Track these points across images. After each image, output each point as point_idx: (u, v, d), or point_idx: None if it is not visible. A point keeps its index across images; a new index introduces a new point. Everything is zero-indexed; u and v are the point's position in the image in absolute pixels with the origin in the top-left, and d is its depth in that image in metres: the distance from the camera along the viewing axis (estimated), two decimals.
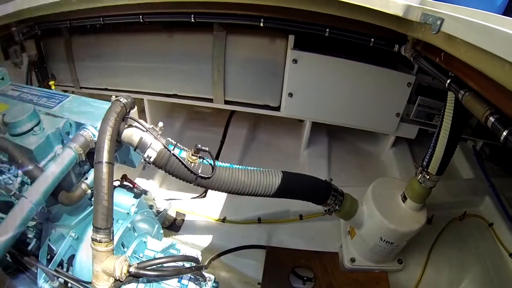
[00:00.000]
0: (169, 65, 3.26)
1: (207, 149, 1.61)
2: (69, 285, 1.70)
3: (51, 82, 3.76)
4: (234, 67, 3.06)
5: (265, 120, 3.78)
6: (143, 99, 3.66)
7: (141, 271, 1.43)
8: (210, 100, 3.30)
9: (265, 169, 1.85)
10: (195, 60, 3.14)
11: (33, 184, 1.47)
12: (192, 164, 1.64)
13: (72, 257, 1.85)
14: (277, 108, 3.18)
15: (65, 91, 4.13)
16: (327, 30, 2.38)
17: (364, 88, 2.95)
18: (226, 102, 3.27)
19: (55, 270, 1.73)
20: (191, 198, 3.20)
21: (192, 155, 1.63)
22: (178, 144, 1.66)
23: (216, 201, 3.14)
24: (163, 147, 1.59)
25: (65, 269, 1.81)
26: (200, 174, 1.64)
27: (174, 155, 1.59)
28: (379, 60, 2.84)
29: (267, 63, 2.98)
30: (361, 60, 2.82)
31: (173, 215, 3.01)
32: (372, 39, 2.32)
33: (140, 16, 2.74)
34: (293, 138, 3.71)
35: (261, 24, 2.48)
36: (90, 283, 1.61)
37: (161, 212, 2.79)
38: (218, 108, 3.42)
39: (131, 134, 1.61)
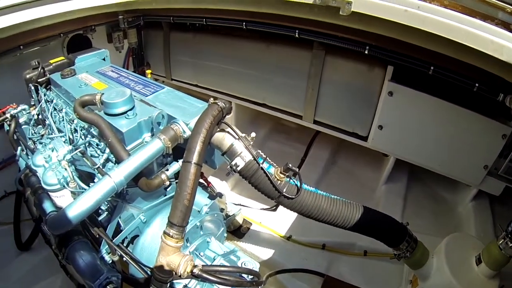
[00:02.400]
0: (263, 74, 3.29)
1: (297, 170, 1.55)
2: (124, 259, 1.74)
3: (148, 71, 3.97)
4: (328, 88, 3.00)
5: (349, 146, 3.58)
6: (231, 102, 3.68)
7: (204, 275, 1.41)
8: (299, 117, 3.29)
9: (347, 201, 1.74)
10: (290, 75, 3.14)
11: (119, 165, 1.51)
12: (279, 181, 1.59)
13: (135, 237, 1.93)
14: (365, 138, 3.05)
15: (156, 80, 4.37)
16: (432, 68, 2.24)
17: (456, 133, 2.69)
18: (315, 122, 3.22)
19: (118, 246, 1.78)
20: (261, 209, 3.18)
21: (281, 172, 1.58)
22: (267, 158, 1.61)
23: (285, 217, 3.09)
24: (252, 159, 1.55)
25: (125, 245, 1.88)
26: (284, 193, 1.58)
27: (262, 169, 1.55)
28: (471, 102, 2.58)
29: (362, 90, 2.87)
30: (458, 103, 2.58)
31: (240, 221, 3.01)
32: (477, 84, 2.14)
33: (244, 23, 2.79)
34: (374, 170, 3.55)
35: (366, 52, 2.41)
36: (147, 267, 1.67)
37: (230, 216, 2.80)
38: (304, 126, 3.37)
39: (223, 138, 1.59)
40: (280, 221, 3.06)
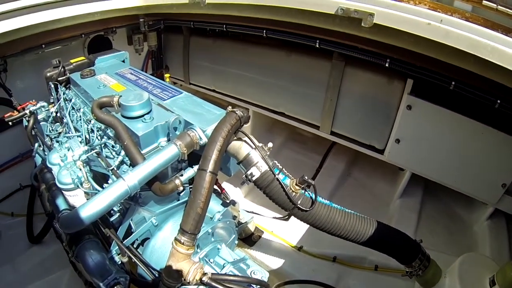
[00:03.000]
0: (282, 83, 3.26)
1: (312, 183, 1.52)
2: (133, 260, 1.73)
3: (167, 75, 3.99)
4: (346, 99, 2.95)
5: (365, 158, 3.47)
6: (248, 109, 3.71)
7: (213, 283, 1.40)
8: (317, 127, 3.24)
9: (361, 215, 1.70)
10: (309, 84, 3.10)
11: (133, 169, 1.50)
12: (294, 193, 1.56)
13: (145, 240, 1.93)
14: (381, 151, 2.98)
15: (174, 83, 4.39)
16: (453, 83, 2.18)
17: (475, 149, 2.61)
18: (332, 133, 3.17)
19: (128, 247, 1.77)
20: (274, 218, 3.14)
21: (296, 184, 1.56)
22: (283, 169, 1.59)
23: (297, 227, 3.04)
24: (268, 169, 1.53)
25: (135, 247, 1.87)
26: (298, 205, 1.55)
27: (278, 180, 1.53)
28: (491, 118, 2.50)
29: (381, 103, 2.81)
30: (478, 119, 2.51)
31: (252, 229, 2.98)
32: (499, 101, 2.07)
33: (264, 31, 2.79)
34: (389, 184, 3.47)
35: (387, 65, 2.37)
36: (156, 270, 1.67)
37: (242, 224, 2.79)
38: (321, 136, 3.33)
39: (239, 147, 1.57)
40: (292, 231, 3.02)
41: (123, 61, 2.78)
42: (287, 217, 3.13)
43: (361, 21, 2.06)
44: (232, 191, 3.23)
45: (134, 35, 4.15)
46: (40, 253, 3.56)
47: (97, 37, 3.87)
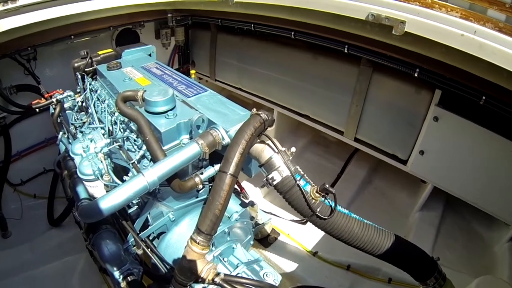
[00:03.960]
0: (308, 85, 3.20)
1: (333, 191, 1.47)
2: (148, 251, 1.73)
3: (192, 71, 4.01)
4: (372, 106, 2.86)
5: (387, 167, 3.31)
6: (273, 109, 3.67)
7: (225, 284, 1.39)
8: (341, 133, 3.16)
9: (379, 227, 1.65)
10: (335, 89, 3.03)
11: (153, 165, 1.49)
12: (314, 200, 1.52)
13: (161, 233, 1.93)
14: (404, 162, 2.88)
15: (200, 79, 4.40)
16: (483, 97, 2.09)
17: (501, 167, 2.48)
18: (356, 140, 3.08)
19: (144, 240, 1.77)
20: (291, 220, 3.10)
21: (317, 192, 1.51)
22: (305, 175, 1.55)
23: (314, 232, 2.99)
24: (290, 174, 1.49)
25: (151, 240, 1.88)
26: (317, 213, 1.51)
27: (299, 186, 1.49)
28: None
29: (407, 112, 2.72)
30: (509, 137, 2.39)
31: (269, 230, 2.96)
32: None
33: (292, 33, 2.74)
34: (409, 195, 3.34)
35: (416, 75, 2.29)
36: (169, 265, 1.67)
37: (259, 224, 2.77)
38: (344, 141, 3.25)
39: (262, 150, 1.54)
40: (308, 235, 2.98)
41: (150, 55, 2.78)
42: (304, 220, 3.08)
43: (392, 28, 1.98)
44: (252, 190, 3.21)
45: (162, 29, 4.17)
46: (58, 235, 3.64)
47: (125, 30, 3.90)
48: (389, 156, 2.93)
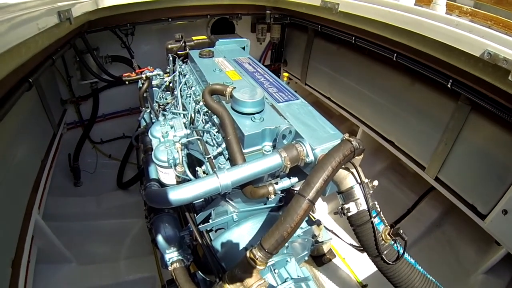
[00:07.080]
0: (399, 111, 2.86)
1: (406, 238, 1.26)
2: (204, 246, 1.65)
3: (285, 74, 3.88)
4: (463, 148, 2.44)
5: (461, 215, 2.70)
6: (359, 127, 3.39)
7: None
8: (422, 168, 2.76)
9: (440, 286, 1.37)
10: (427, 120, 2.65)
11: (230, 168, 1.36)
12: (383, 242, 1.31)
13: (219, 229, 1.87)
14: (482, 216, 2.37)
15: (290, 79, 4.24)
16: None
17: None
18: (436, 179, 2.67)
19: (202, 233, 1.70)
20: (350, 244, 2.84)
21: (389, 234, 1.30)
22: (381, 213, 1.33)
23: (369, 262, 2.69)
24: (366, 209, 1.29)
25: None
26: (383, 256, 1.31)
27: (372, 223, 1.29)
28: None
29: (499, 163, 2.25)
30: None
31: (326, 250, 2.78)
32: None
33: (395, 55, 2.44)
34: (478, 253, 2.81)
35: None
36: (221, 265, 1.57)
37: (318, 243, 2.61)
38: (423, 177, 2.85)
39: (344, 178, 1.34)
40: (362, 265, 2.74)
41: (243, 48, 2.67)
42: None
43: (510, 73, 1.59)
44: (319, 203, 2.97)
45: (259, 24, 4.09)
46: (123, 198, 3.76)
47: (222, 19, 3.86)
48: (468, 206, 2.47)
